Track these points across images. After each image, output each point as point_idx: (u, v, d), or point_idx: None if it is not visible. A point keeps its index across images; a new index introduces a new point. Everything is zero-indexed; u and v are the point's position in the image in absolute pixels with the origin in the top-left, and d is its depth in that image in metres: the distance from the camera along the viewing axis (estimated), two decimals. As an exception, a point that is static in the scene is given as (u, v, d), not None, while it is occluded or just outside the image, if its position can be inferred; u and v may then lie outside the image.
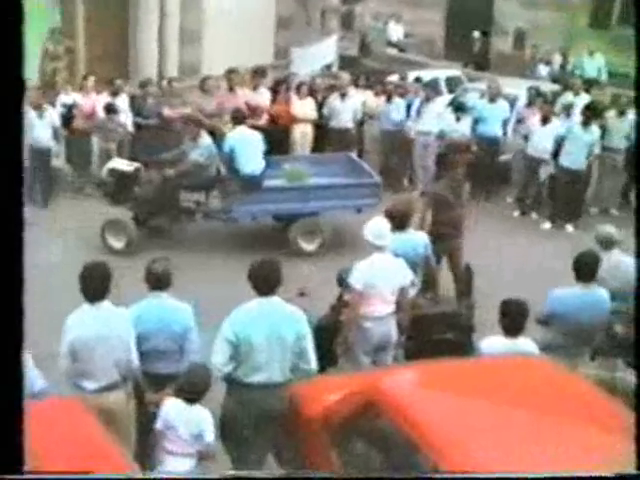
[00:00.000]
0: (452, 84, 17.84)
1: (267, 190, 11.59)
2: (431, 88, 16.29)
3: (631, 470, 3.64)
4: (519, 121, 14.72)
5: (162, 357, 6.26)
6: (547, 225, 13.48)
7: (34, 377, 5.66)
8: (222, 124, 13.91)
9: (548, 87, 16.85)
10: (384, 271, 7.35)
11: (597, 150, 13.39)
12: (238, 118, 11.84)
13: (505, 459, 4.54)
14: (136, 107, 14.34)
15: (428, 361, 6.76)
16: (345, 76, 15.92)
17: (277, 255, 10.71)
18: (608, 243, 8.06)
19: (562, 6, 23.02)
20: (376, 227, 7.44)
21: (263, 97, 14.56)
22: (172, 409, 5.78)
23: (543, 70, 20.04)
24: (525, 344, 6.37)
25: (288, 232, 11.74)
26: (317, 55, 18.17)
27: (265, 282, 5.98)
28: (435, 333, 7.81)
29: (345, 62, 20.19)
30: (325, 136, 15.09)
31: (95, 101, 14.06)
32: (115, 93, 14.04)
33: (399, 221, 7.90)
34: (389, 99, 15.07)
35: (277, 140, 13.89)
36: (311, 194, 11.73)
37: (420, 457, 4.70)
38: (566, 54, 20.92)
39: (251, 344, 5.86)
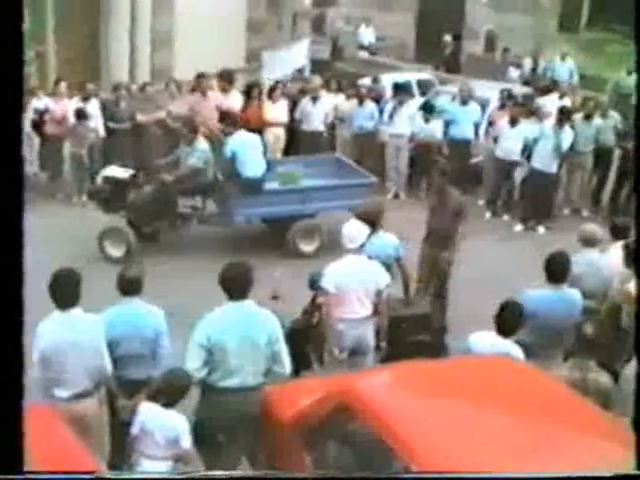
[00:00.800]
0: (424, 87, 17.89)
1: (267, 193, 11.67)
2: (404, 91, 16.35)
3: (631, 470, 3.66)
4: (491, 124, 14.79)
5: (134, 362, 6.23)
6: (519, 227, 13.55)
7: None
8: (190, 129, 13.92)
9: (519, 90, 16.94)
10: (357, 273, 7.37)
11: (566, 152, 13.49)
12: (235, 122, 11.91)
13: (478, 460, 4.55)
14: (108, 111, 14.25)
15: (401, 363, 6.78)
16: (316, 79, 15.93)
17: (277, 257, 11.04)
18: (592, 241, 8.14)
19: (532, 10, 23.19)
20: (350, 230, 7.48)
21: (234, 101, 14.53)
22: (148, 414, 5.77)
23: (514, 73, 20.14)
24: (512, 346, 6.42)
25: (287, 234, 11.78)
26: (289, 59, 18.13)
27: (236, 286, 5.97)
28: (408, 335, 7.83)
29: (317, 66, 20.17)
30: (297, 139, 15.10)
31: (67, 106, 13.97)
32: (86, 98, 13.94)
33: (370, 223, 7.93)
34: (361, 102, 15.10)
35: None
36: (310, 196, 11.83)
37: (393, 459, 4.70)
38: (536, 57, 21.04)
39: (224, 348, 5.85)
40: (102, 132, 14.07)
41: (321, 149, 14.78)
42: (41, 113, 13.92)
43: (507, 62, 20.74)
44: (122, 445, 6.04)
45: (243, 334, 5.90)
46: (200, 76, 14.32)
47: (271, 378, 6.13)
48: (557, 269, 7.17)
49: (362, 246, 7.48)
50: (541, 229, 13.38)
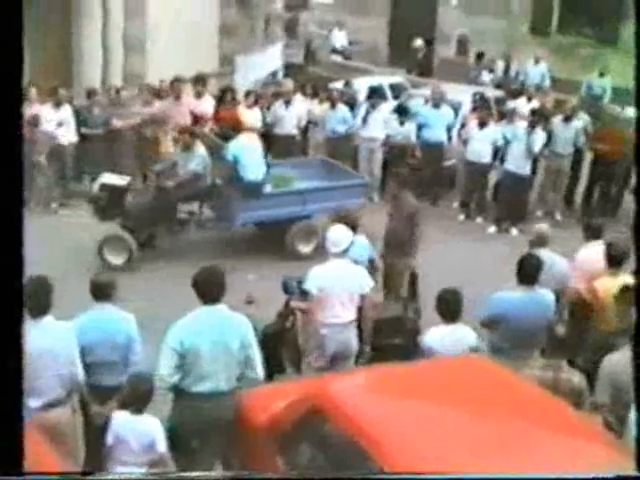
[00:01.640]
0: (396, 91, 17.94)
1: (267, 196, 11.77)
2: (377, 95, 16.39)
3: (631, 471, 3.69)
4: (463, 126, 14.85)
5: (106, 369, 6.21)
6: (492, 229, 13.61)
7: None
8: (164, 132, 13.92)
9: (492, 93, 17.03)
10: (341, 277, 7.42)
11: (542, 153, 13.57)
12: (234, 127, 12.16)
13: (451, 460, 4.57)
14: (82, 117, 14.16)
15: (374, 365, 6.81)
16: (289, 83, 15.94)
17: (277, 258, 11.10)
18: (541, 242, 8.22)
19: (503, 13, 23.33)
20: (335, 234, 7.54)
21: (207, 105, 14.52)
22: (121, 422, 5.75)
23: (486, 76, 20.24)
24: (463, 328, 6.76)
25: (285, 236, 11.83)
26: (262, 63, 18.17)
27: (210, 290, 5.96)
28: (382, 338, 7.84)
29: (290, 70, 20.20)
30: (269, 143, 15.09)
31: (38, 112, 13.83)
32: (59, 103, 13.82)
33: (352, 227, 8.01)
34: (333, 106, 15.13)
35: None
36: (307, 197, 11.94)
37: (367, 461, 4.70)
38: (508, 60, 21.16)
39: (197, 353, 5.84)
40: (74, 138, 13.96)
41: (294, 153, 14.80)
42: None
43: (480, 66, 20.83)
44: (97, 451, 6.01)
45: (216, 338, 5.89)
46: (175, 80, 14.30)
47: (244, 383, 6.12)
48: (529, 271, 7.22)
49: (346, 250, 7.54)
50: (514, 231, 13.45)
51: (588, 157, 14.61)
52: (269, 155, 14.63)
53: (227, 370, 5.96)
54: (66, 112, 13.84)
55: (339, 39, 24.58)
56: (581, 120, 14.25)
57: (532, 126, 13.20)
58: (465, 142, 14.11)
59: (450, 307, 6.75)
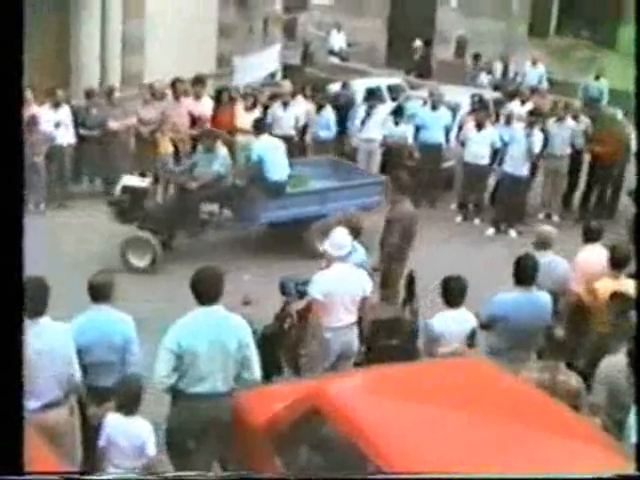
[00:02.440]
0: (394, 92, 17.94)
1: (289, 195, 11.91)
2: (375, 96, 16.39)
3: (631, 471, 3.69)
4: (461, 128, 14.86)
5: (104, 370, 6.20)
6: (490, 231, 13.62)
7: None
8: (163, 133, 13.91)
9: (490, 95, 17.03)
10: (344, 281, 7.46)
11: (540, 155, 13.56)
12: (260, 127, 12.09)
13: (449, 461, 4.57)
14: (80, 118, 14.13)
15: (372, 367, 6.81)
16: (287, 85, 15.93)
17: (295, 257, 11.11)
18: (545, 244, 8.24)
19: (501, 15, 23.34)
20: (337, 238, 7.57)
21: (206, 106, 14.53)
22: (113, 424, 5.77)
23: (484, 78, 20.24)
24: (466, 313, 7.07)
25: (305, 234, 11.88)
26: (260, 64, 18.10)
27: (207, 291, 5.96)
28: (380, 339, 7.85)
29: (288, 71, 20.18)
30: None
31: (36, 112, 13.78)
32: (57, 104, 13.77)
33: (355, 231, 8.09)
34: (319, 109, 15.06)
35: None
36: (326, 197, 12.05)
37: (365, 462, 4.71)
38: (507, 62, 21.17)
39: (194, 354, 5.83)
40: (73, 139, 13.91)
41: (293, 154, 14.78)
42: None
43: (478, 67, 20.83)
44: (94, 452, 6.03)
45: (213, 339, 5.89)
46: (176, 81, 14.29)
47: (241, 384, 6.12)
48: (525, 272, 7.24)
49: (349, 254, 7.58)
50: (513, 233, 13.46)
51: (587, 159, 14.63)
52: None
53: (224, 371, 5.95)
54: (64, 113, 13.79)
55: (337, 40, 24.56)
56: (582, 123, 14.28)
57: (530, 127, 13.22)
58: (463, 144, 14.12)
59: (454, 293, 7.00)
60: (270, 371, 7.58)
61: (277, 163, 11.70)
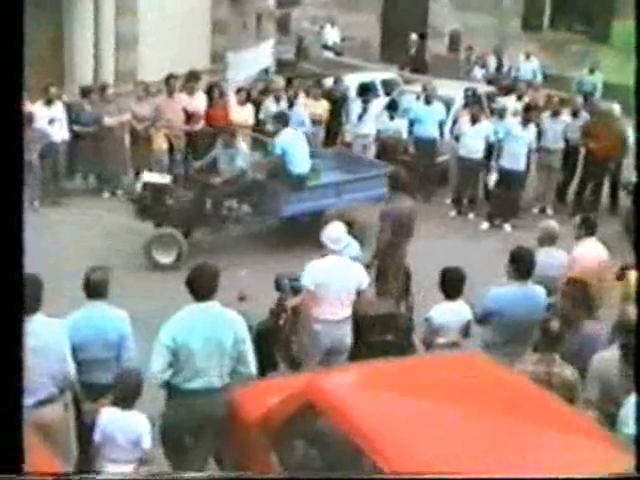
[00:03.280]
0: (388, 87, 17.94)
1: (309, 188, 12.02)
2: (369, 91, 16.39)
3: (631, 471, 3.70)
4: (455, 122, 14.86)
5: (99, 366, 6.19)
6: (485, 225, 13.62)
7: None
8: (157, 129, 13.89)
9: (484, 89, 17.03)
10: (337, 273, 7.46)
11: (534, 149, 13.56)
12: (283, 121, 12.15)
13: (444, 457, 4.58)
14: (74, 115, 14.09)
15: (367, 362, 6.80)
16: (280, 80, 15.92)
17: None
18: (549, 239, 8.25)
19: (495, 9, 23.34)
20: (333, 232, 7.59)
21: (200, 102, 14.51)
22: (108, 419, 5.77)
23: (478, 72, 20.24)
24: (462, 305, 7.19)
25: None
26: (254, 59, 18.07)
27: (203, 287, 5.97)
28: (375, 335, 7.85)
29: (282, 66, 20.17)
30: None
31: (31, 110, 13.72)
32: (50, 101, 13.72)
33: (349, 226, 8.13)
34: (290, 106, 14.90)
35: (215, 143, 13.86)
36: (342, 188, 12.17)
37: (360, 457, 4.71)
38: (500, 56, 21.18)
39: (190, 349, 5.84)
40: (67, 135, 13.88)
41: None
42: None
43: (472, 61, 20.83)
44: (89, 449, 6.02)
45: (209, 335, 5.89)
46: (170, 77, 14.27)
47: (237, 379, 6.13)
48: (522, 266, 7.24)
49: (345, 247, 7.61)
50: (507, 227, 13.47)
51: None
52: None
53: (220, 367, 5.96)
54: (58, 110, 13.75)
55: (331, 35, 24.56)
56: (581, 118, 14.30)
57: (525, 122, 13.21)
58: (457, 138, 14.12)
59: (453, 284, 7.10)
60: (265, 366, 7.58)
61: (300, 156, 11.84)
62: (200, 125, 14.39)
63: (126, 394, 5.77)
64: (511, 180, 13.38)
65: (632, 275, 7.63)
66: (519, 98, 15.45)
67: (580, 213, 11.12)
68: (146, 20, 18.35)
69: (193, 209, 11.61)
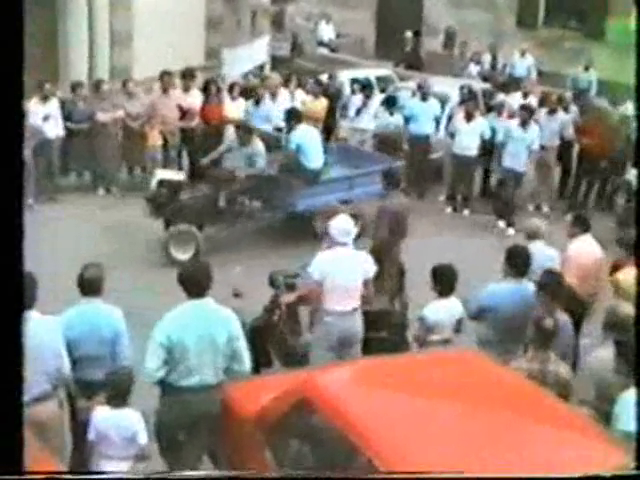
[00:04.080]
0: (383, 83, 17.95)
1: (323, 182, 12.13)
2: (366, 87, 16.39)
3: (627, 468, 3.71)
4: (450, 119, 14.86)
5: (93, 363, 6.17)
6: (504, 227, 13.40)
7: None
8: (151, 126, 13.87)
9: (479, 85, 17.03)
10: (345, 264, 7.47)
11: (536, 148, 13.54)
12: (296, 117, 12.21)
13: (441, 454, 4.58)
14: (67, 111, 14.05)
15: (362, 358, 6.82)
16: (276, 77, 15.89)
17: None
18: (534, 235, 8.26)
19: (489, 6, 23.33)
20: (342, 224, 7.59)
21: (195, 99, 14.49)
22: (102, 417, 5.77)
23: (473, 69, 20.25)
24: (455, 302, 7.19)
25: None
26: (249, 56, 18.13)
27: (195, 284, 5.97)
28: (369, 331, 7.85)
29: (277, 62, 20.18)
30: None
31: (26, 107, 13.71)
32: (45, 98, 13.67)
33: (355, 218, 8.23)
34: (257, 103, 14.62)
35: (210, 140, 13.88)
36: (353, 183, 12.28)
37: (355, 454, 4.71)
38: (495, 53, 21.19)
39: (184, 347, 5.84)
40: (61, 132, 13.84)
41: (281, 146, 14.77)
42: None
43: (467, 58, 20.83)
44: (83, 446, 6.02)
45: (203, 332, 5.89)
46: (165, 73, 14.25)
47: (231, 376, 6.12)
48: (518, 263, 7.25)
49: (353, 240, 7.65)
50: (501, 223, 13.45)
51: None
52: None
53: (214, 364, 5.96)
54: (53, 106, 13.70)
55: (326, 32, 24.56)
56: (572, 112, 14.32)
57: (525, 122, 13.14)
58: (452, 135, 14.12)
59: (445, 282, 7.10)
60: (259, 363, 7.58)
61: (314, 151, 11.93)
62: (195, 122, 14.36)
63: (117, 392, 5.78)
64: (516, 181, 13.31)
65: (623, 272, 7.63)
66: (525, 96, 15.39)
67: (574, 210, 11.17)
68: (141, 16, 18.33)
69: (207, 205, 11.68)
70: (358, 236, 8.48)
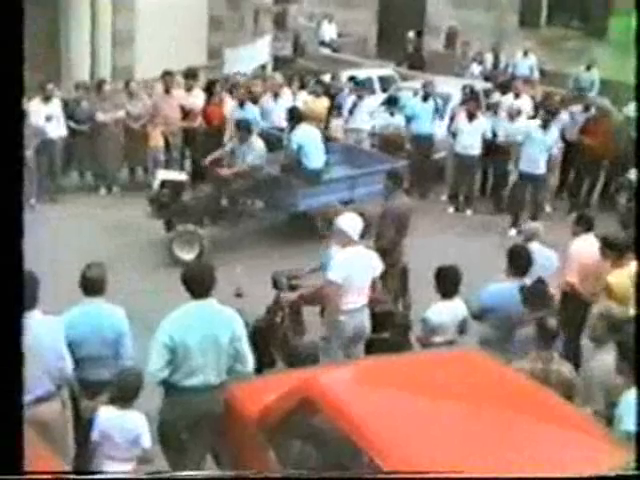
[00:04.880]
0: (385, 83, 17.94)
1: (324, 182, 12.14)
2: (366, 87, 16.38)
3: (629, 467, 3.70)
4: (452, 119, 14.84)
5: (96, 363, 6.17)
6: (513, 232, 13.18)
7: None
8: (153, 126, 13.87)
9: (481, 85, 17.03)
10: (360, 263, 7.51)
11: (556, 151, 13.44)
12: (297, 116, 12.24)
13: (444, 453, 4.58)
14: (69, 111, 14.03)
15: (365, 358, 6.81)
16: (278, 77, 15.89)
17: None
18: (532, 237, 8.26)
19: (492, 6, 23.33)
20: (353, 222, 7.63)
21: (197, 99, 14.48)
22: (106, 417, 5.76)
23: (475, 69, 20.25)
24: (459, 302, 7.19)
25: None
26: (251, 55, 18.12)
27: (199, 285, 5.97)
28: (372, 332, 7.85)
29: (279, 62, 20.18)
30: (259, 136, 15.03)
31: (26, 107, 13.66)
32: (48, 98, 13.65)
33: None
34: (241, 105, 14.34)
35: (212, 141, 13.87)
36: (356, 182, 12.29)
37: (358, 453, 4.71)
38: (497, 53, 21.18)
39: (187, 347, 5.83)
40: (64, 132, 13.82)
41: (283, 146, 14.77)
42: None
43: (469, 58, 20.83)
44: (86, 446, 6.02)
45: (206, 332, 5.89)
46: (167, 73, 14.25)
47: (234, 376, 6.13)
48: (519, 263, 7.25)
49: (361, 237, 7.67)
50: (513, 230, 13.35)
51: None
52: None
53: (217, 364, 5.96)
54: (56, 106, 13.69)
55: (328, 32, 24.57)
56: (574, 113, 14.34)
57: (545, 124, 13.05)
58: (454, 135, 14.11)
59: (448, 283, 7.09)
60: (262, 363, 7.58)
61: (315, 151, 11.94)
62: (197, 122, 14.35)
63: (125, 393, 5.75)
64: (533, 184, 13.12)
65: (614, 275, 7.62)
66: (516, 96, 15.35)
67: (577, 210, 11.15)
68: (143, 16, 18.36)
69: (209, 205, 11.72)
70: (361, 236, 8.47)
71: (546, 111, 13.54)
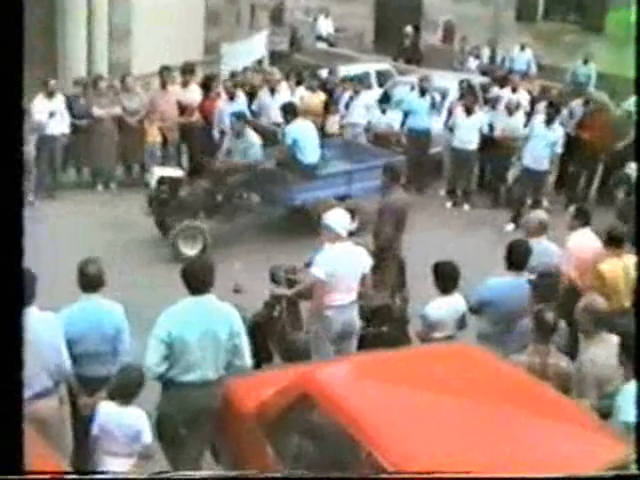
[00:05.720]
0: (382, 78, 17.93)
1: (320, 177, 12.13)
2: (362, 82, 16.37)
3: (631, 470, 3.71)
4: (450, 113, 14.83)
5: (94, 360, 6.16)
6: (510, 227, 13.24)
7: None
8: (150, 122, 13.85)
9: (478, 79, 17.02)
10: (347, 259, 7.47)
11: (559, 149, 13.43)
12: (292, 111, 12.24)
13: (442, 448, 4.59)
14: (69, 108, 13.98)
15: (362, 353, 6.81)
16: (275, 72, 15.87)
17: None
18: (536, 231, 8.24)
19: (488, 0, 23.34)
20: (340, 217, 7.60)
21: (194, 94, 14.46)
22: (106, 413, 5.76)
23: (472, 63, 20.24)
24: (458, 298, 7.15)
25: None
26: (248, 50, 18.13)
27: (198, 281, 5.97)
28: (370, 326, 7.85)
29: (275, 57, 20.16)
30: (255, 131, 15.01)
31: (30, 104, 13.58)
32: (50, 94, 13.56)
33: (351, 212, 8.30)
34: (231, 98, 14.30)
35: (208, 136, 13.87)
36: (353, 177, 12.31)
37: (356, 448, 4.72)
38: (494, 47, 21.18)
39: (185, 343, 5.83)
40: (67, 129, 13.73)
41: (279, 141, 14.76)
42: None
43: (466, 52, 20.82)
44: (85, 442, 6.02)
45: (204, 328, 5.89)
46: (164, 69, 14.21)
47: (232, 371, 6.13)
48: (518, 257, 7.25)
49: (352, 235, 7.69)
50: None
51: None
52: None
53: (215, 359, 5.96)
54: (59, 102, 13.60)
55: (325, 26, 24.55)
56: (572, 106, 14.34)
57: (549, 120, 13.03)
58: (451, 129, 14.11)
59: (447, 279, 7.05)
60: (260, 358, 7.58)
61: (310, 146, 11.94)
62: (195, 117, 14.33)
63: (126, 390, 5.75)
64: (535, 181, 13.12)
65: (607, 263, 7.64)
66: (513, 91, 15.33)
67: (574, 204, 11.14)
68: (139, 11, 18.31)
69: (206, 200, 11.72)
70: (357, 231, 8.48)
71: (550, 105, 13.48)
